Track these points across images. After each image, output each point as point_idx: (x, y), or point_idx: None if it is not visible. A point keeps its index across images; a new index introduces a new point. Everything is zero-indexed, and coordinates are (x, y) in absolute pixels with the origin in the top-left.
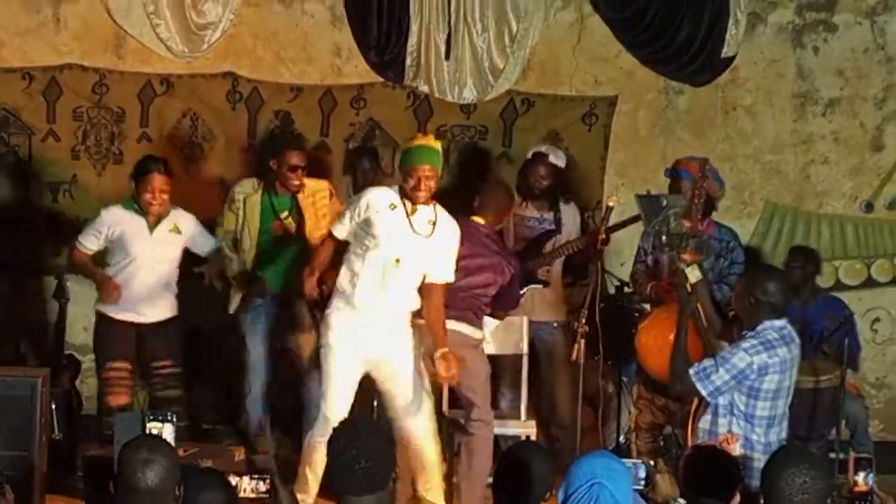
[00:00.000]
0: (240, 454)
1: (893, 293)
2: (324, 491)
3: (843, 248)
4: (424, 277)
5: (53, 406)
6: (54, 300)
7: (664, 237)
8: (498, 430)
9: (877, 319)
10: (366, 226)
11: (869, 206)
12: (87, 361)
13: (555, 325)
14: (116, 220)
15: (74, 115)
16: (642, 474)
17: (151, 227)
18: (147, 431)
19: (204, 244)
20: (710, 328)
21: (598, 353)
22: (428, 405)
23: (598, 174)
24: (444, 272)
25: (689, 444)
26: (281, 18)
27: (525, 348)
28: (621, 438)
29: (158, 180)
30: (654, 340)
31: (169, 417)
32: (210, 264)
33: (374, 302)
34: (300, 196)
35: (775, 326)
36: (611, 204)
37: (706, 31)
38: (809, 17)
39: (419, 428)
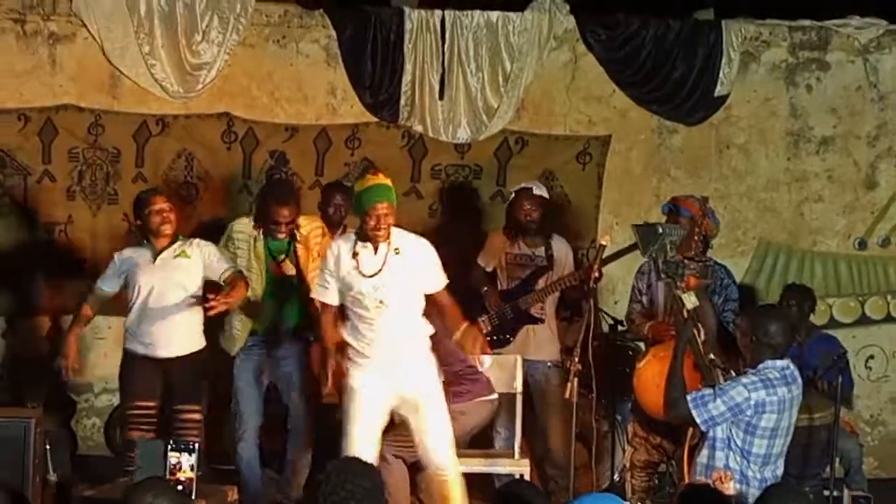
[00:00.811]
0: (233, 494)
1: (887, 330)
2: None
3: (837, 285)
4: (426, 295)
5: (48, 446)
6: (48, 340)
7: (661, 265)
8: (491, 469)
9: (871, 357)
10: (343, 281)
11: (862, 244)
12: (82, 401)
13: (549, 364)
14: (126, 258)
15: (70, 155)
16: None
17: (155, 256)
18: (168, 459)
19: (218, 268)
20: (706, 335)
21: (592, 391)
22: (451, 439)
23: (593, 213)
24: (435, 282)
25: (686, 480)
26: (276, 58)
27: (519, 387)
28: (615, 477)
29: (159, 200)
30: (653, 378)
31: (191, 447)
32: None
33: (381, 345)
34: (298, 236)
35: (777, 366)
36: (604, 242)
37: (699, 71)
38: (802, 56)
39: (445, 462)
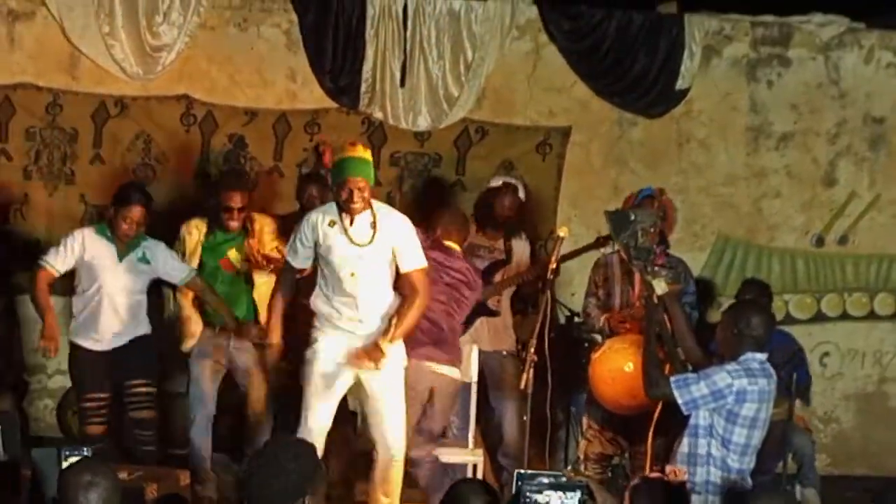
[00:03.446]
0: (185, 478)
1: (843, 328)
2: None
3: (794, 282)
4: (398, 271)
5: None
6: (3, 321)
7: (632, 251)
8: (445, 458)
9: (826, 354)
10: (317, 248)
11: (820, 241)
12: (35, 382)
13: (504, 354)
14: (89, 244)
15: (27, 134)
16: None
17: (121, 256)
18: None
19: (174, 272)
20: (681, 342)
21: (547, 382)
22: (404, 424)
23: (551, 204)
24: (411, 260)
25: (648, 464)
26: (236, 42)
27: (474, 377)
28: (569, 468)
29: (137, 212)
30: (609, 371)
31: (86, 452)
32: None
33: (349, 316)
34: (253, 229)
35: (757, 358)
36: (561, 234)
37: (661, 64)
38: (764, 52)
39: (396, 444)
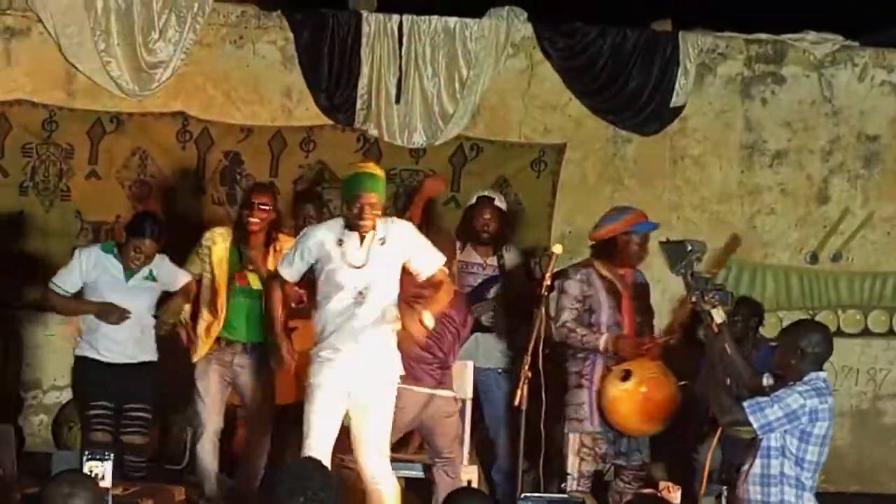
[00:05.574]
0: (180, 494)
1: (837, 345)
2: None
3: (788, 298)
4: (418, 277)
5: None
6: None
7: (689, 280)
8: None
9: None
10: (319, 266)
11: (814, 258)
12: (30, 398)
13: (499, 371)
14: (95, 264)
15: (23, 150)
16: None
17: (128, 276)
18: (88, 471)
19: (176, 282)
20: (735, 370)
21: (541, 398)
22: (385, 450)
23: (546, 221)
24: (428, 264)
25: (704, 482)
26: (232, 59)
27: (469, 393)
28: (563, 485)
29: (149, 245)
30: (640, 404)
31: (107, 456)
32: (163, 316)
33: (350, 336)
34: (275, 248)
35: (821, 377)
36: (555, 251)
37: (655, 81)
38: (758, 69)
39: (378, 472)
